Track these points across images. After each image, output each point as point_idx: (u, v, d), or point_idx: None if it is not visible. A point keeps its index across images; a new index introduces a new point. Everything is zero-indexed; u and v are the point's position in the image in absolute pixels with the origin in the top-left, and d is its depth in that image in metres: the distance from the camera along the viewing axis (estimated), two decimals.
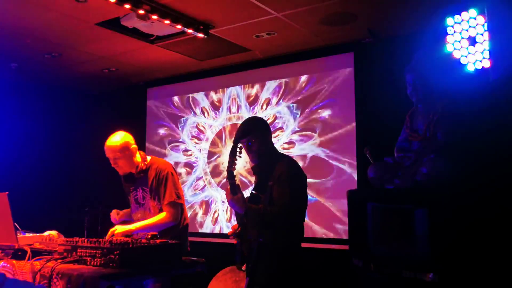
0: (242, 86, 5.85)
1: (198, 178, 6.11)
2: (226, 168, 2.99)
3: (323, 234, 5.04)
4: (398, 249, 2.95)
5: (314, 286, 4.70)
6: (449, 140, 3.01)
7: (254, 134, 3.06)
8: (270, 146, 3.13)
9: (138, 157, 3.54)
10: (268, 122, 5.49)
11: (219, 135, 5.99)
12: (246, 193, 3.11)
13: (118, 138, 3.48)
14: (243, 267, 3.00)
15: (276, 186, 2.91)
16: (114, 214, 3.64)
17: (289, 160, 3.11)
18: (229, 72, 5.93)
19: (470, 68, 3.13)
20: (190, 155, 6.23)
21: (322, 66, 5.26)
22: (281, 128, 5.46)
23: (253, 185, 3.21)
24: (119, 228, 3.21)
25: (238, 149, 2.97)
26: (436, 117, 3.08)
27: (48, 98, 6.74)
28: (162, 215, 3.38)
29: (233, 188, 2.92)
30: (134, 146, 3.53)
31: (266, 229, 2.86)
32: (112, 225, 3.42)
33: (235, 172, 2.96)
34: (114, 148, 3.43)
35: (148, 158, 3.61)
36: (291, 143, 5.38)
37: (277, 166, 2.99)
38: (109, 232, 3.19)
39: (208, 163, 6.05)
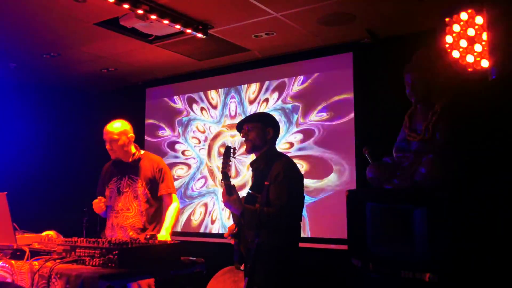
0: (241, 86, 5.85)
1: (197, 178, 6.11)
2: (220, 169, 3.01)
3: (322, 234, 5.04)
4: (397, 249, 2.96)
5: (313, 286, 4.70)
6: (447, 140, 3.01)
7: (254, 123, 3.10)
8: (269, 144, 3.12)
9: (133, 148, 3.80)
10: None
11: (218, 135, 5.99)
12: (243, 193, 3.12)
13: (119, 124, 3.80)
14: (242, 267, 3.00)
15: (273, 186, 2.91)
16: (99, 202, 3.66)
17: (286, 160, 3.11)
18: (228, 72, 5.93)
19: (469, 68, 3.13)
20: (189, 155, 6.23)
21: (321, 66, 5.26)
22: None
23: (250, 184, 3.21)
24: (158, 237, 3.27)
25: (231, 150, 2.98)
26: (435, 117, 3.09)
27: (46, 98, 6.72)
28: (174, 206, 3.72)
29: (228, 189, 2.92)
30: (132, 135, 3.80)
31: (262, 229, 2.85)
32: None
33: (230, 173, 2.97)
34: (112, 130, 3.72)
35: (142, 151, 3.88)
36: (290, 143, 5.38)
37: (274, 166, 2.99)
38: None
39: (207, 163, 6.05)
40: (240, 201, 2.91)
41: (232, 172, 5.65)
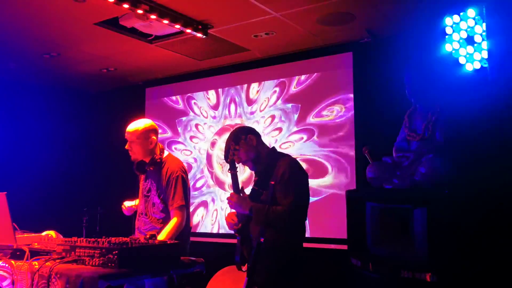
0: (240, 86, 5.85)
1: (197, 178, 6.11)
2: (224, 156, 2.97)
3: (322, 234, 5.04)
4: (396, 248, 2.96)
5: (313, 286, 4.70)
6: (447, 140, 3.01)
7: (235, 145, 3.03)
8: (261, 148, 3.11)
9: (156, 150, 3.50)
10: (267, 122, 5.55)
11: (217, 135, 5.99)
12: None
13: (141, 124, 3.50)
14: (244, 268, 2.99)
15: (280, 185, 2.90)
16: (124, 206, 3.61)
17: (290, 158, 3.11)
18: (228, 72, 5.93)
19: (469, 68, 3.14)
20: (189, 155, 6.23)
21: (321, 66, 5.26)
22: (279, 128, 5.46)
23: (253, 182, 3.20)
24: None
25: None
26: (434, 117, 3.09)
27: (46, 98, 6.73)
28: (174, 221, 3.31)
29: (234, 179, 2.92)
30: (155, 138, 3.50)
31: (270, 227, 2.85)
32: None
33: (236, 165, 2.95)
34: (132, 131, 3.45)
35: (165, 153, 3.56)
36: (289, 143, 5.38)
37: (278, 164, 2.99)
38: None
39: (207, 163, 6.05)
40: (247, 199, 2.92)
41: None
